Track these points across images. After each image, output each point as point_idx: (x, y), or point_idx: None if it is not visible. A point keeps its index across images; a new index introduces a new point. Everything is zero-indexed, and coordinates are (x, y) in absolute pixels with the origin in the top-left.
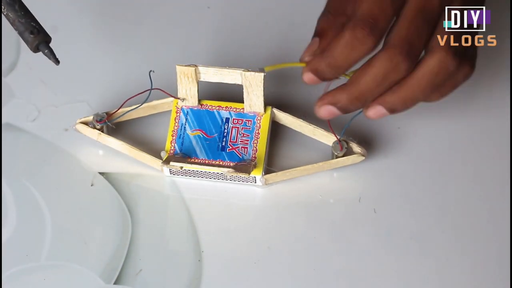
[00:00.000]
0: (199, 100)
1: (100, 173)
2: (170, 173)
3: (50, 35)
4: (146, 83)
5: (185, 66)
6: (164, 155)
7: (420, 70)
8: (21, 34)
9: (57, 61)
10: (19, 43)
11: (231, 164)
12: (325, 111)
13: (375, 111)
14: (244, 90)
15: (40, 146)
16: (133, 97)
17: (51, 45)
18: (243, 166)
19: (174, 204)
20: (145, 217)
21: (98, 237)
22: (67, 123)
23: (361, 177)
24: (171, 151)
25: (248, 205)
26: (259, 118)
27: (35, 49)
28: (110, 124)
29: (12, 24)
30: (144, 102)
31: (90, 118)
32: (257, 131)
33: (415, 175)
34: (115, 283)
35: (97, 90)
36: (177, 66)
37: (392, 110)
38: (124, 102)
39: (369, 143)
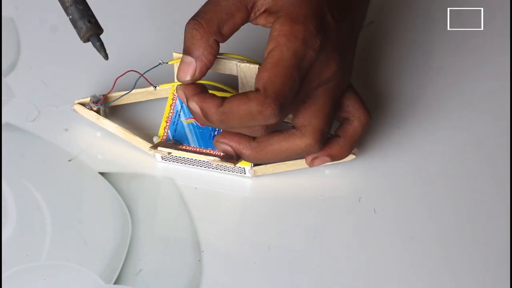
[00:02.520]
0: None
1: (100, 173)
2: (162, 158)
3: (50, 35)
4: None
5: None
6: (156, 140)
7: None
8: (75, 21)
9: (106, 56)
10: (19, 43)
11: (221, 153)
12: (221, 148)
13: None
14: (239, 81)
15: (40, 146)
16: (122, 75)
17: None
18: (229, 156)
19: (173, 204)
20: (145, 217)
21: (98, 237)
22: (67, 123)
23: (361, 177)
24: (164, 137)
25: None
26: None
27: (86, 40)
28: (104, 106)
29: (66, 8)
30: (133, 88)
31: (88, 99)
32: None
33: (415, 175)
34: (115, 283)
35: (97, 90)
36: (174, 53)
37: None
38: (115, 82)
39: (369, 142)
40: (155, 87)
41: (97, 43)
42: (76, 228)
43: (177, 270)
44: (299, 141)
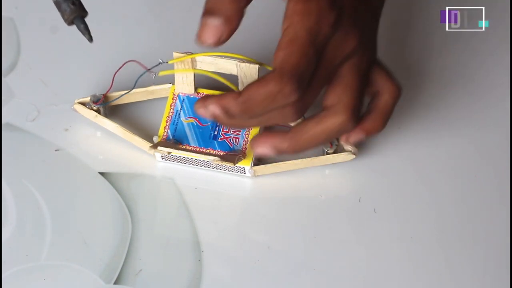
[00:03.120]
0: (196, 88)
1: (100, 173)
2: (162, 158)
3: (50, 35)
4: (147, 80)
5: (182, 53)
6: (156, 140)
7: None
8: (59, 3)
9: (90, 39)
10: (19, 43)
11: (221, 153)
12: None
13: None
14: (239, 81)
15: (40, 146)
16: (120, 68)
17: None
18: (229, 156)
19: (173, 204)
20: (145, 217)
21: (98, 237)
22: (67, 123)
23: (361, 177)
24: (164, 137)
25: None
26: None
27: (71, 22)
28: (104, 106)
29: None
30: (134, 87)
31: (88, 99)
32: None
33: (415, 175)
34: (115, 283)
35: (97, 90)
36: (174, 53)
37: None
38: (113, 77)
39: (369, 142)
40: (154, 74)
41: (81, 25)
42: (76, 228)
43: (177, 270)
44: (333, 121)
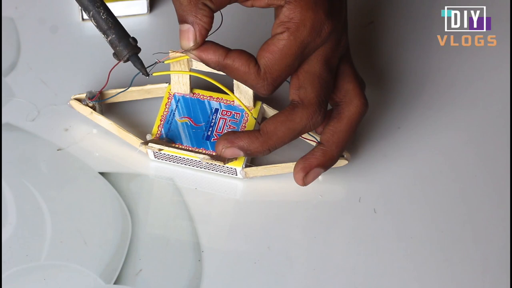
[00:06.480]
0: (191, 88)
1: (100, 173)
2: (155, 157)
3: (50, 35)
4: (145, 79)
5: (179, 53)
6: (149, 138)
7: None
8: (113, 43)
9: (147, 74)
10: (19, 43)
11: (213, 153)
12: (230, 152)
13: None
14: (234, 83)
15: (40, 146)
16: (114, 66)
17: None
18: (220, 155)
19: (173, 205)
20: (145, 217)
21: (98, 237)
22: (67, 123)
23: (361, 177)
24: (157, 135)
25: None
26: (247, 112)
27: (126, 60)
28: (100, 103)
29: (106, 29)
30: (130, 86)
31: (84, 95)
32: (243, 125)
33: (415, 175)
34: (115, 283)
35: (96, 88)
36: (170, 53)
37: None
38: (108, 75)
39: (368, 143)
40: (148, 74)
41: (137, 63)
42: (76, 228)
43: (177, 270)
44: (300, 116)
